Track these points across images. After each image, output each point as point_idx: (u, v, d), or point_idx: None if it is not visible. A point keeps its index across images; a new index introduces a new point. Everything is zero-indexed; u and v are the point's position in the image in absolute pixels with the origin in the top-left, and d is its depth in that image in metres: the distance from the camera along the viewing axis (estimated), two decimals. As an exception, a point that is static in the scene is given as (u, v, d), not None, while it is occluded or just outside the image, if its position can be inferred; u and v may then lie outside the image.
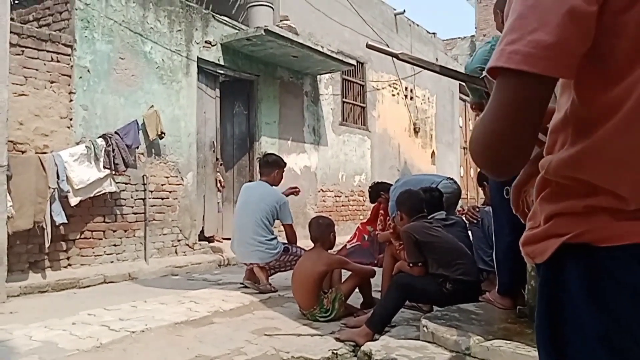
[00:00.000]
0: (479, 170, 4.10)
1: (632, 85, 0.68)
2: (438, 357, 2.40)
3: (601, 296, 0.70)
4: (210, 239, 7.19)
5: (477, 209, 4.17)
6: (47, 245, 4.92)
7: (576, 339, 0.73)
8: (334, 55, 8.28)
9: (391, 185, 5.77)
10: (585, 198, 0.72)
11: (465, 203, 11.51)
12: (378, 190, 5.94)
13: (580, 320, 0.72)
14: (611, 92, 0.70)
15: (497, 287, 3.12)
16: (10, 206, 4.49)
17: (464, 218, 4.21)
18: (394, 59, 1.90)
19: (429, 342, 2.62)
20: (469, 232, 4.10)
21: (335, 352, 2.94)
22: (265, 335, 3.30)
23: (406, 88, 11.98)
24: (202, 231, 7.09)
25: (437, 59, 12.77)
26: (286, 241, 4.89)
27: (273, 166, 5.00)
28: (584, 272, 0.72)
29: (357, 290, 3.85)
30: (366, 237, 5.96)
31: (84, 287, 5.02)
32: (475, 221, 4.06)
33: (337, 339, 3.15)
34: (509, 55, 0.69)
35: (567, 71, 0.69)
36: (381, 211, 5.96)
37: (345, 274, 3.91)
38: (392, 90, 11.47)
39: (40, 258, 5.06)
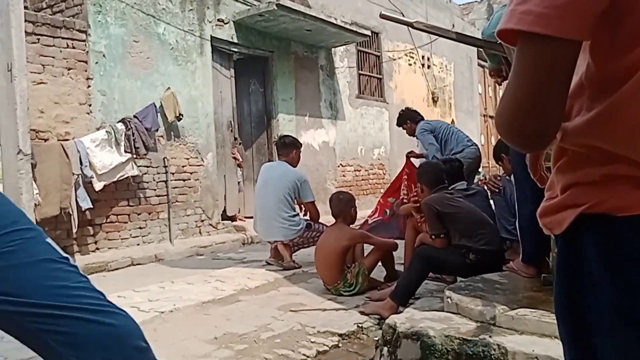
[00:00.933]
0: (495, 145, 4.03)
1: None
2: (463, 327, 2.40)
3: (618, 266, 0.69)
4: (232, 218, 7.26)
5: (499, 178, 4.11)
6: (74, 230, 5.04)
7: (593, 309, 0.72)
8: (347, 26, 8.16)
9: (421, 117, 5.77)
10: (602, 166, 0.70)
11: (487, 172, 11.38)
12: (406, 118, 5.86)
13: (598, 290, 0.71)
14: (628, 54, 0.65)
15: (520, 256, 3.09)
16: (37, 194, 4.59)
17: (485, 188, 4.15)
18: (409, 27, 1.86)
19: (453, 313, 2.62)
20: (491, 202, 4.06)
21: (360, 325, 2.97)
22: (291, 311, 3.34)
23: (423, 57, 11.77)
24: (224, 210, 7.16)
25: (453, 25, 12.48)
26: (309, 219, 4.93)
27: (290, 147, 5.01)
28: (602, 242, 0.71)
29: (380, 263, 3.87)
30: (388, 211, 5.94)
31: (113, 270, 5.14)
32: (497, 190, 4.01)
33: (362, 313, 3.18)
34: (520, 16, 0.65)
35: (583, 32, 0.65)
36: (405, 176, 5.91)
37: (368, 248, 3.92)
38: (409, 60, 11.29)
39: (68, 243, 5.19)
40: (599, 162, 0.70)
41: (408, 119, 5.81)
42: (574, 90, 0.72)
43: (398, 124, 6.04)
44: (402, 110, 6.13)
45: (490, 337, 2.22)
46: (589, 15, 0.64)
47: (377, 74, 10.42)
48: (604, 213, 0.70)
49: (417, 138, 5.65)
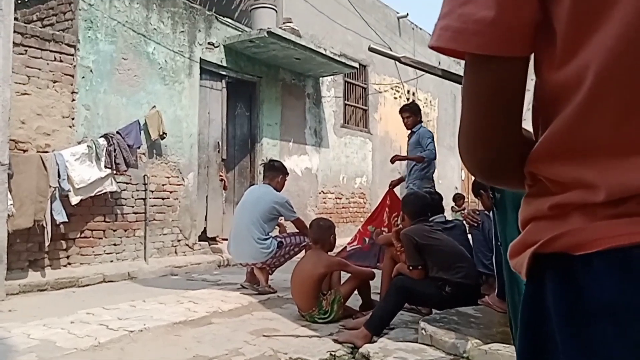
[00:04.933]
0: (474, 180, 4.10)
1: (586, 60, 0.53)
2: (436, 359, 2.40)
3: (579, 326, 0.53)
4: (213, 240, 7.18)
5: (477, 213, 4.16)
6: (47, 243, 4.93)
7: None
8: (336, 57, 8.29)
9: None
10: (551, 196, 0.58)
11: (467, 206, 11.48)
12: (416, 109, 5.99)
13: (556, 352, 0.55)
14: (564, 68, 0.55)
15: (496, 291, 3.12)
16: (11, 204, 4.50)
17: (464, 222, 4.20)
18: (396, 62, 1.90)
19: (427, 344, 2.62)
20: (469, 236, 4.10)
21: (333, 353, 2.94)
22: (264, 336, 3.30)
23: (408, 91, 11.98)
24: (204, 231, 7.09)
25: (439, 62, 12.76)
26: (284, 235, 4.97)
27: (277, 171, 5.01)
28: (562, 291, 0.55)
29: (356, 292, 3.85)
30: (367, 240, 5.94)
31: (83, 286, 5.02)
32: (475, 224, 4.06)
33: (336, 341, 3.14)
34: (439, 32, 0.60)
35: (509, 47, 0.56)
36: (386, 209, 5.94)
37: (345, 276, 3.91)
38: (394, 93, 11.47)
39: (40, 256, 5.07)
40: (550, 191, 0.59)
41: (415, 110, 5.95)
42: (534, 115, 0.63)
43: (401, 111, 6.14)
44: (411, 101, 6.25)
45: (462, 370, 2.22)
46: (511, 28, 0.56)
47: (362, 105, 10.56)
48: (562, 253, 0.55)
49: (412, 133, 5.79)
